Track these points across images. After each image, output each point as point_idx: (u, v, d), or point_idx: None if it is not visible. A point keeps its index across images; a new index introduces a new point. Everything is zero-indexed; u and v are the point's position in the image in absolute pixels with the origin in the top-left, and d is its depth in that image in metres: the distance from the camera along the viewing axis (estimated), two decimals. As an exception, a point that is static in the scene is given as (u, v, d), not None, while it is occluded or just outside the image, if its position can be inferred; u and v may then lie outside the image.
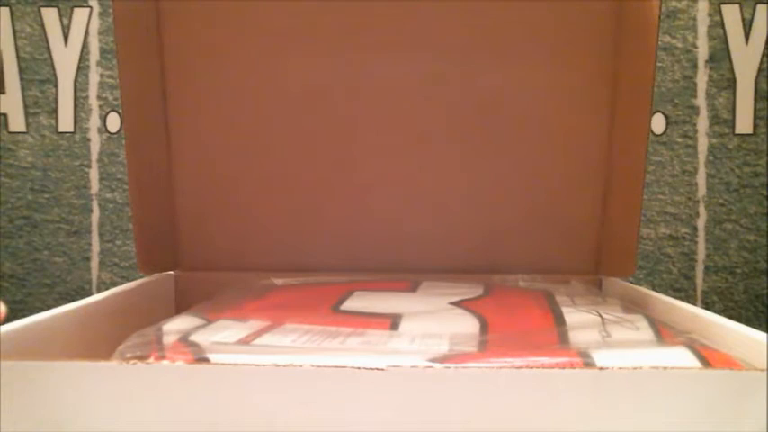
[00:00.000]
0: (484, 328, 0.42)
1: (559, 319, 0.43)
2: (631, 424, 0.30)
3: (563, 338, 0.39)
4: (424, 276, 0.58)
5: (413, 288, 0.54)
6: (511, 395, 0.30)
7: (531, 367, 0.31)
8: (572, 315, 0.44)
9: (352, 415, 0.30)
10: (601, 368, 0.30)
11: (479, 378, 0.30)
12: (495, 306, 0.47)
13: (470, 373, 0.30)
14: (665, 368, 0.31)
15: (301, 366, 0.30)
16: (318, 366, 0.30)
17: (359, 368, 0.30)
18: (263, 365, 0.31)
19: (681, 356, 0.34)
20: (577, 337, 0.39)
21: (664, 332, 0.40)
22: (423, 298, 0.50)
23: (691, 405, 0.30)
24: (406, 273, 0.60)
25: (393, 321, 0.43)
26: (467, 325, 0.42)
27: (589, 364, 0.33)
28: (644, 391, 0.30)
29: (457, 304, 0.47)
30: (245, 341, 0.37)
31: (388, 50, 0.60)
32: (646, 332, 0.41)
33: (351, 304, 0.47)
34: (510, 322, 0.43)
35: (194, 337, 0.37)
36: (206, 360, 0.33)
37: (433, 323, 0.43)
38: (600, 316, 0.43)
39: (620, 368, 0.30)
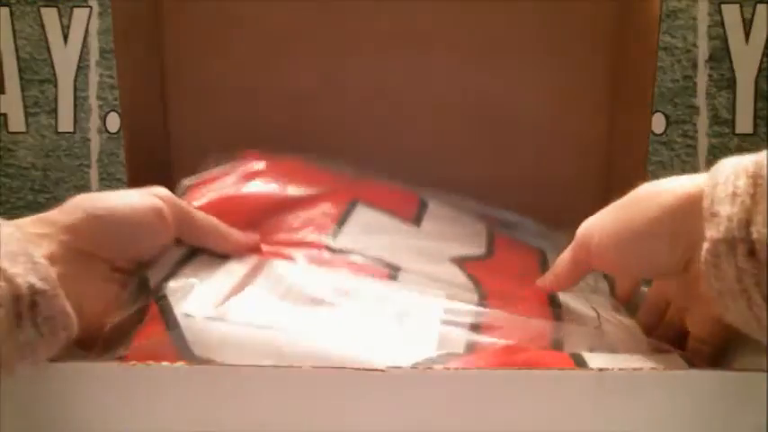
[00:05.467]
0: (481, 303, 0.41)
1: (556, 311, 0.42)
2: (631, 424, 0.30)
3: (557, 342, 0.38)
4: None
5: (417, 218, 0.51)
6: (511, 396, 0.30)
7: (531, 368, 0.31)
8: (568, 303, 0.43)
9: (351, 415, 0.30)
10: (601, 369, 0.30)
11: (479, 379, 0.30)
12: (495, 273, 0.46)
13: (470, 374, 0.30)
14: (664, 369, 0.31)
15: (300, 367, 0.30)
16: (318, 368, 0.30)
17: (358, 369, 0.30)
18: (263, 366, 0.31)
19: (672, 362, 0.34)
20: (571, 337, 0.39)
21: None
22: (426, 242, 0.48)
23: (691, 405, 0.30)
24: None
25: (391, 273, 0.42)
26: (464, 296, 0.42)
27: (577, 356, 0.33)
28: (644, 391, 0.30)
29: (459, 263, 0.46)
30: (218, 312, 0.36)
31: (387, 52, 0.60)
32: (637, 332, 0.41)
33: (351, 234, 0.45)
34: (506, 304, 0.41)
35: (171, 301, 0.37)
36: (181, 337, 0.34)
37: (430, 283, 0.42)
38: (596, 312, 0.43)
39: (621, 369, 0.30)
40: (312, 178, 0.49)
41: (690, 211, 0.33)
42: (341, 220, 0.46)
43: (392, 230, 0.48)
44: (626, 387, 0.30)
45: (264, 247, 0.43)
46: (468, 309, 0.39)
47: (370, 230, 0.47)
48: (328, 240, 0.44)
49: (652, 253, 0.35)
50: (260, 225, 0.45)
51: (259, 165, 0.49)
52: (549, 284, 0.43)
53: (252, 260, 0.41)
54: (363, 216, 0.48)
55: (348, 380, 0.30)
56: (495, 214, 0.57)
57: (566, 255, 0.41)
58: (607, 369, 0.30)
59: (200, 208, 0.43)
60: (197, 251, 0.41)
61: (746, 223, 0.29)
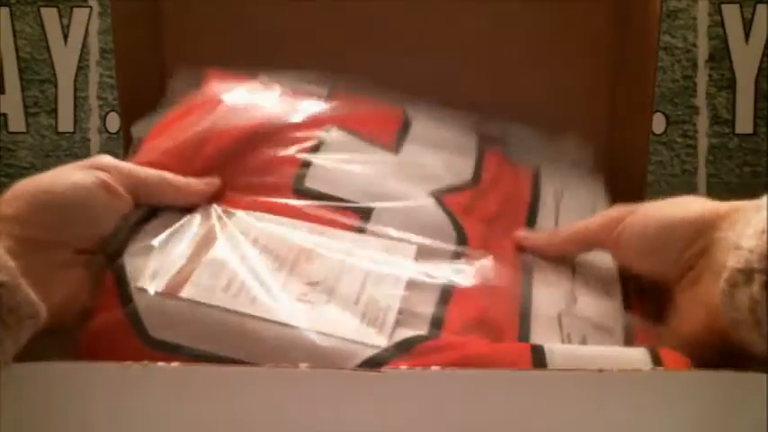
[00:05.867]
0: (457, 254, 0.40)
1: (527, 278, 0.41)
2: (630, 425, 0.30)
3: (523, 328, 0.38)
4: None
5: (398, 142, 0.47)
6: (509, 397, 0.30)
7: (525, 370, 0.31)
8: (544, 269, 0.42)
9: (348, 415, 0.30)
10: (600, 370, 0.30)
11: (477, 380, 0.30)
12: (478, 206, 0.44)
13: (468, 374, 0.30)
14: (664, 370, 0.31)
15: (298, 367, 0.30)
16: (314, 368, 0.30)
17: (355, 369, 0.30)
18: (259, 366, 0.31)
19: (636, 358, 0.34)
20: (540, 303, 0.39)
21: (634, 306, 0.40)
22: (404, 172, 0.44)
23: (690, 407, 0.30)
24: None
25: (362, 219, 0.40)
26: (439, 247, 0.40)
27: (539, 360, 0.33)
28: (643, 392, 0.30)
29: (439, 197, 0.44)
30: (173, 287, 0.35)
31: (387, 51, 0.59)
32: (614, 299, 0.40)
33: (321, 169, 0.43)
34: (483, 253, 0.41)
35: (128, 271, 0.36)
36: (135, 315, 0.33)
37: (404, 226, 0.40)
38: (571, 264, 0.42)
39: (620, 371, 0.30)
40: (282, 103, 0.46)
41: (716, 228, 0.34)
42: (310, 154, 0.43)
43: (368, 160, 0.45)
44: (625, 387, 0.30)
45: (228, 194, 0.42)
46: (430, 284, 0.38)
47: (344, 161, 0.44)
48: (295, 182, 0.42)
49: (667, 247, 0.36)
50: (226, 167, 0.43)
51: (221, 94, 0.46)
52: (538, 242, 0.43)
53: (213, 215, 0.40)
54: (337, 143, 0.45)
55: (345, 380, 0.30)
56: (488, 128, 0.54)
57: (587, 223, 0.42)
58: (606, 370, 0.30)
59: (157, 162, 0.41)
60: (157, 210, 0.40)
61: (767, 257, 0.29)
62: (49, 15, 0.82)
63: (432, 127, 0.50)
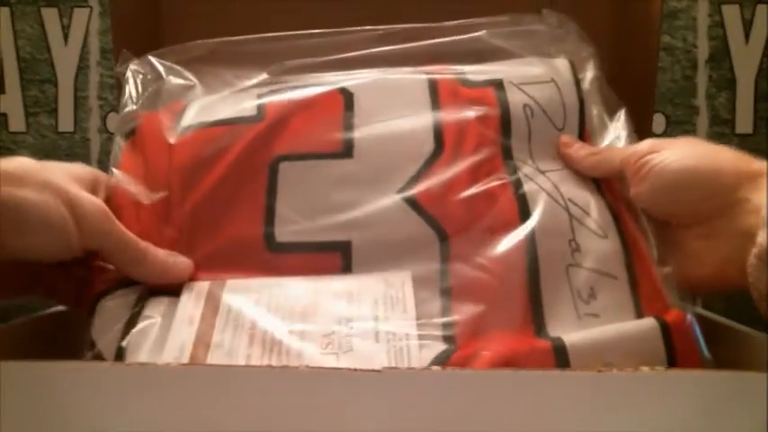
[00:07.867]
0: (444, 256, 0.40)
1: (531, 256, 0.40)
2: (629, 425, 0.30)
3: (534, 295, 0.38)
4: None
5: (347, 144, 0.43)
6: (510, 397, 0.30)
7: (526, 370, 0.31)
8: (536, 206, 0.41)
9: (348, 415, 0.30)
10: (600, 371, 0.30)
11: (477, 380, 0.30)
12: (450, 184, 0.41)
13: (468, 375, 0.31)
14: (665, 370, 0.31)
15: (297, 368, 0.30)
16: (314, 368, 0.30)
17: (355, 370, 0.30)
18: (259, 367, 0.31)
19: (647, 333, 0.35)
20: (546, 258, 0.38)
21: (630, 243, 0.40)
22: (365, 179, 0.42)
23: (690, 407, 0.30)
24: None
25: (343, 257, 0.40)
26: (425, 261, 0.39)
27: (558, 350, 0.34)
28: (643, 393, 0.30)
29: (408, 193, 0.41)
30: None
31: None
32: (613, 241, 0.40)
33: (285, 214, 0.41)
34: (473, 250, 0.40)
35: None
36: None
37: (387, 253, 0.39)
38: (567, 212, 0.41)
39: (620, 370, 0.30)
40: (222, 143, 0.43)
41: (740, 187, 0.34)
42: (269, 202, 0.42)
43: (325, 185, 0.42)
44: (625, 387, 0.30)
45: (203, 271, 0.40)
46: (431, 297, 0.38)
47: (304, 196, 0.42)
48: (267, 242, 0.41)
49: (688, 193, 0.37)
50: (194, 221, 0.41)
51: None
52: (571, 155, 0.43)
53: (201, 294, 0.38)
54: (290, 179, 0.42)
55: (344, 380, 0.30)
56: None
57: (620, 150, 0.42)
58: (606, 370, 0.30)
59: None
60: (141, 305, 0.38)
61: None
62: (50, 15, 0.82)
63: (374, 98, 0.46)
